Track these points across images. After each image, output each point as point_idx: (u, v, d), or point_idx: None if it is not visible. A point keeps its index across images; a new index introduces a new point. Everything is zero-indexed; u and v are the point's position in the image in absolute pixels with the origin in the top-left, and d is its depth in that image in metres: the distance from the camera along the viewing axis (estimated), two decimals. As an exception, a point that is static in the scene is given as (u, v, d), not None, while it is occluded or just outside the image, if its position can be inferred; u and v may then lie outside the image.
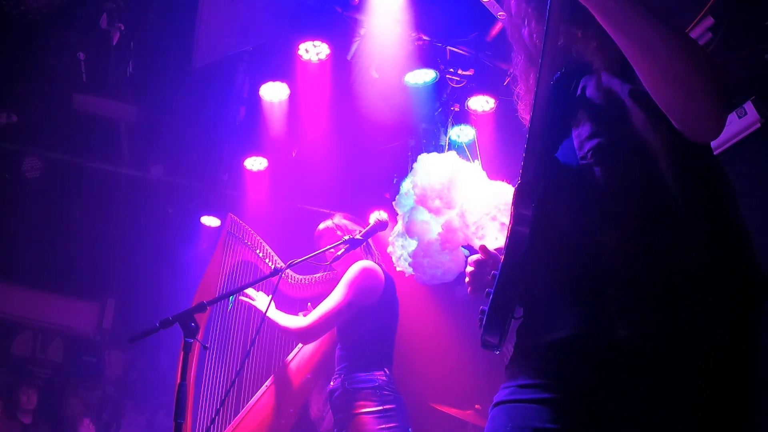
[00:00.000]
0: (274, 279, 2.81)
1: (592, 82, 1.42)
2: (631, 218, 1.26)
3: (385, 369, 2.86)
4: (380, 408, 2.75)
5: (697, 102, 1.19)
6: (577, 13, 1.37)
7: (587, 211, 1.31)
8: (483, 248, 1.58)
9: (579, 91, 1.44)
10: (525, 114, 1.63)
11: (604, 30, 1.33)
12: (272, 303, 2.98)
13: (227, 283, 3.25)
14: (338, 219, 3.23)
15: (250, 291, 3.08)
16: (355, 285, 2.91)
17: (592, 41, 1.41)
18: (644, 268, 1.23)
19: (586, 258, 1.30)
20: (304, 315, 3.19)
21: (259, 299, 3.07)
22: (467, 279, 1.58)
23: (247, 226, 3.35)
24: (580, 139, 1.37)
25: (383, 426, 2.72)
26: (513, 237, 1.32)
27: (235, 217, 3.40)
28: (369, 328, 2.93)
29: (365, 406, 2.76)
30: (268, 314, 2.93)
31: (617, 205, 1.28)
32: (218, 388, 3.03)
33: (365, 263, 2.99)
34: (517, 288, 1.33)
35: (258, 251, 3.26)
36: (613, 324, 1.23)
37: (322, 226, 3.23)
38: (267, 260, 3.22)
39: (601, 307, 1.25)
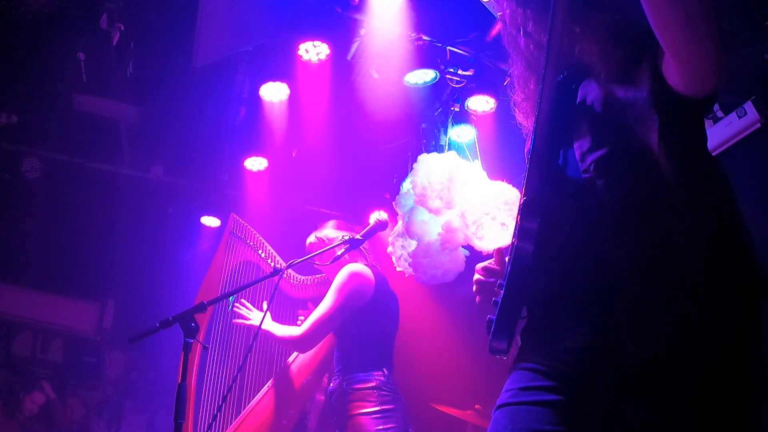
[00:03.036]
0: (275, 279, 2.81)
1: (593, 90, 1.41)
2: (635, 231, 1.26)
3: (384, 369, 2.86)
4: (378, 408, 2.74)
5: (701, 40, 1.18)
6: (578, 19, 1.38)
7: (591, 224, 1.32)
8: (499, 251, 1.57)
9: (579, 99, 1.43)
10: (523, 121, 1.63)
11: (603, 36, 1.33)
12: (268, 314, 2.99)
13: (229, 283, 3.25)
14: (323, 232, 3.22)
15: (243, 312, 3.06)
16: (345, 289, 2.90)
17: (594, 47, 1.41)
18: (650, 282, 1.23)
19: (592, 271, 1.30)
20: (303, 314, 3.19)
21: (254, 316, 3.05)
22: (475, 288, 1.57)
23: (249, 227, 3.35)
24: (582, 150, 1.37)
25: (381, 427, 2.71)
26: (517, 253, 1.32)
27: (238, 218, 3.40)
28: (363, 329, 2.92)
29: (363, 407, 2.75)
30: (264, 326, 2.94)
31: (621, 219, 1.28)
32: (221, 389, 3.03)
33: (353, 266, 2.98)
34: (524, 298, 1.35)
35: (260, 252, 3.26)
36: (623, 336, 1.23)
37: (308, 241, 3.24)
38: (269, 261, 3.22)
39: (610, 319, 1.26)
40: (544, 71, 1.35)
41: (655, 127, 1.27)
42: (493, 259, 1.58)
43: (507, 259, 1.43)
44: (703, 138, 1.36)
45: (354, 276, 2.94)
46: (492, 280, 1.53)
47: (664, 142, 1.26)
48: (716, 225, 1.25)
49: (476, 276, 1.58)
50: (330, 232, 3.21)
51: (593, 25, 1.40)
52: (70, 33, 4.02)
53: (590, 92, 1.41)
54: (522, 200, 1.35)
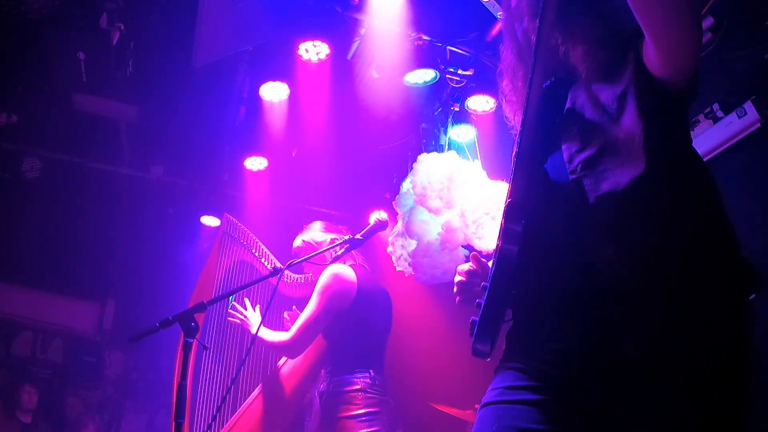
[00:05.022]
0: (273, 279, 2.81)
1: (581, 94, 1.42)
2: (623, 230, 1.27)
3: (371, 371, 2.84)
4: (363, 411, 2.74)
5: (681, 20, 1.21)
6: (565, 21, 1.39)
7: (579, 225, 1.32)
8: (475, 257, 1.57)
9: (569, 103, 1.44)
10: (509, 114, 1.64)
11: (588, 38, 1.34)
12: (260, 318, 2.99)
13: (224, 283, 3.25)
14: (309, 235, 3.21)
15: (239, 312, 3.06)
16: (327, 291, 2.90)
17: (579, 48, 1.42)
18: (642, 280, 1.23)
19: (580, 272, 1.30)
20: (289, 316, 3.18)
21: (250, 318, 3.04)
22: (456, 289, 1.57)
23: (242, 226, 3.35)
24: (570, 152, 1.38)
25: (366, 430, 2.70)
26: (502, 254, 1.33)
27: (231, 217, 3.41)
28: (349, 331, 2.92)
29: (348, 410, 2.75)
30: (258, 332, 2.94)
31: (609, 218, 1.28)
32: (215, 388, 3.03)
33: (333, 268, 2.98)
34: (508, 300, 1.36)
35: (254, 251, 3.26)
36: (618, 335, 1.23)
37: (294, 245, 3.23)
38: (263, 260, 3.23)
39: (601, 319, 1.26)
40: (531, 75, 1.36)
41: (640, 124, 1.28)
42: (471, 264, 1.57)
43: (491, 261, 1.43)
44: (687, 134, 1.38)
45: (335, 277, 2.94)
46: (475, 281, 1.53)
47: (648, 138, 1.27)
48: (704, 220, 1.26)
49: (458, 278, 1.58)
50: (317, 234, 3.21)
51: (579, 28, 1.41)
52: (70, 33, 4.02)
53: (579, 96, 1.43)
54: (507, 202, 1.36)
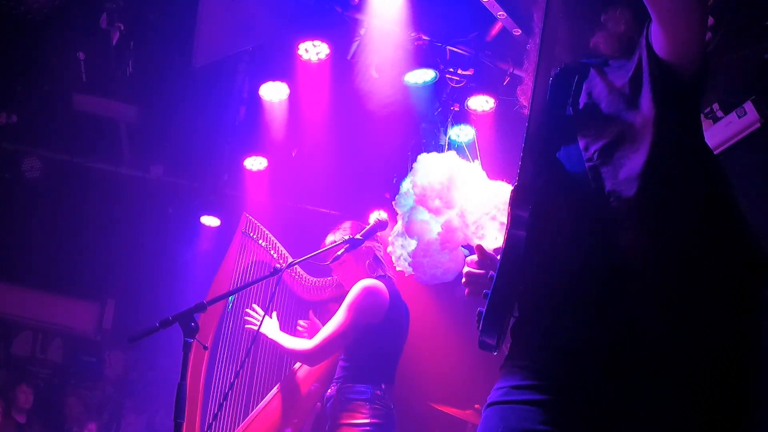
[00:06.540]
0: (276, 280, 2.80)
1: (598, 83, 1.41)
2: (643, 220, 1.25)
3: (382, 384, 2.84)
4: (367, 422, 2.73)
5: (689, 10, 1.22)
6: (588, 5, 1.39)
7: (596, 214, 1.30)
8: (479, 248, 1.55)
9: (584, 96, 1.42)
10: (525, 102, 1.63)
11: (610, 21, 1.34)
12: (277, 323, 3.00)
13: (240, 283, 3.19)
14: (340, 234, 3.18)
15: (254, 317, 3.03)
16: (358, 306, 2.87)
17: (600, 32, 1.42)
18: (642, 280, 1.22)
19: (594, 261, 1.28)
20: (307, 323, 3.16)
21: (265, 323, 3.01)
22: (464, 280, 1.55)
23: (261, 227, 3.29)
24: (586, 141, 1.37)
25: None
26: (509, 240, 1.30)
27: (251, 217, 3.34)
28: (373, 345, 2.89)
29: (353, 418, 2.75)
30: (274, 337, 2.94)
31: (623, 207, 1.27)
32: (227, 390, 3.02)
33: (367, 282, 2.94)
34: (516, 290, 1.32)
35: (272, 252, 3.21)
36: (619, 334, 1.22)
37: (328, 240, 3.19)
38: (281, 261, 3.17)
39: (614, 311, 1.24)
40: (537, 62, 1.35)
41: (654, 109, 1.27)
42: (476, 256, 1.56)
43: (499, 251, 1.42)
44: (699, 127, 1.37)
45: (369, 293, 2.90)
46: (483, 272, 1.51)
47: (661, 123, 1.26)
48: (708, 217, 1.25)
49: (466, 268, 1.56)
50: (346, 235, 3.18)
51: (602, 13, 1.41)
52: (70, 33, 4.02)
53: (595, 86, 1.41)
54: (513, 187, 1.34)
